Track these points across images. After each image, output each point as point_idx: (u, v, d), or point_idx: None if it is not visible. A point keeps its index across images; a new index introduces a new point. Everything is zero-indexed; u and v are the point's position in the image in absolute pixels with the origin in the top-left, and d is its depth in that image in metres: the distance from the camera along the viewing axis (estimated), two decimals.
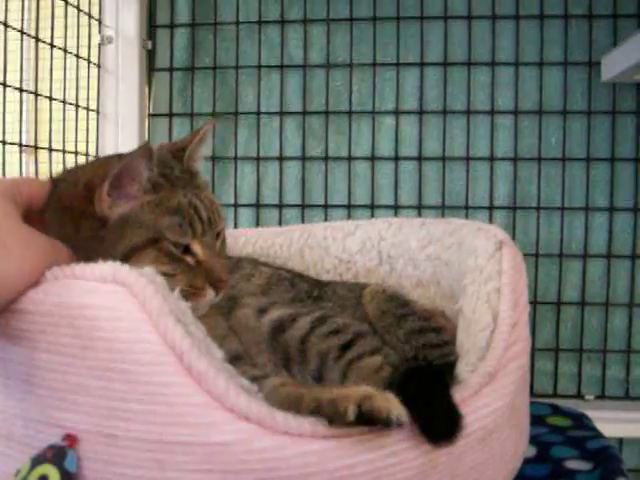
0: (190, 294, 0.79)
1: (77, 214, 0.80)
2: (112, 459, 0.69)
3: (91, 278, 0.69)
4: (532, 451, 1.08)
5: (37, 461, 0.69)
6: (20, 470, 0.69)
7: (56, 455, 0.68)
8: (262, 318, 0.91)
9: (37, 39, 1.43)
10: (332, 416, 0.68)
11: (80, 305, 0.68)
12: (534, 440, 1.08)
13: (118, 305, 0.68)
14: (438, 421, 0.72)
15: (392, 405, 0.67)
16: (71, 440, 0.69)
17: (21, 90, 1.37)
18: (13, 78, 1.35)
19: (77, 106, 1.61)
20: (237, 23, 1.73)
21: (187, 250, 0.82)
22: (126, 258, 0.77)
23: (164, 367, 0.66)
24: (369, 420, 0.67)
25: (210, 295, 0.82)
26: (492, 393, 0.80)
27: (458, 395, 0.76)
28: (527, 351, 0.91)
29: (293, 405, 0.71)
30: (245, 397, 0.66)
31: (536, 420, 1.14)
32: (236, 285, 1.02)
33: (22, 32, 1.37)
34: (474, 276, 0.94)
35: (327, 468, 0.67)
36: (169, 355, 0.66)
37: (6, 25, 1.30)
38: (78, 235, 0.79)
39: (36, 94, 1.44)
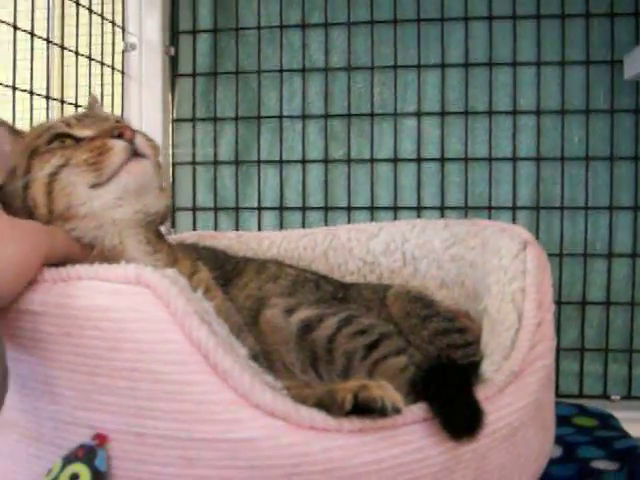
0: (98, 160, 0.80)
1: None
2: (141, 457, 0.70)
3: (115, 280, 0.70)
4: (558, 451, 1.08)
5: (68, 460, 0.70)
6: (52, 469, 0.70)
7: (87, 454, 0.69)
8: (290, 318, 0.92)
9: (62, 47, 1.46)
10: (330, 406, 0.69)
11: (105, 307, 0.69)
12: (560, 440, 1.08)
13: (143, 307, 0.68)
14: (459, 417, 0.72)
15: (387, 394, 0.68)
16: (101, 439, 0.70)
17: (47, 97, 1.40)
18: (39, 86, 1.37)
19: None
20: (259, 28, 1.75)
21: (70, 138, 0.84)
22: (27, 187, 0.81)
23: (190, 366, 0.67)
24: (366, 409, 0.68)
25: (118, 145, 0.81)
26: (517, 392, 0.81)
27: (482, 393, 0.76)
28: (552, 350, 0.91)
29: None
30: (270, 393, 0.67)
31: (562, 420, 1.14)
32: (263, 286, 1.03)
33: (48, 41, 1.39)
34: (499, 276, 0.94)
35: (352, 463, 0.68)
36: (194, 354, 0.67)
37: (32, 34, 1.32)
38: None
39: (62, 101, 1.46)
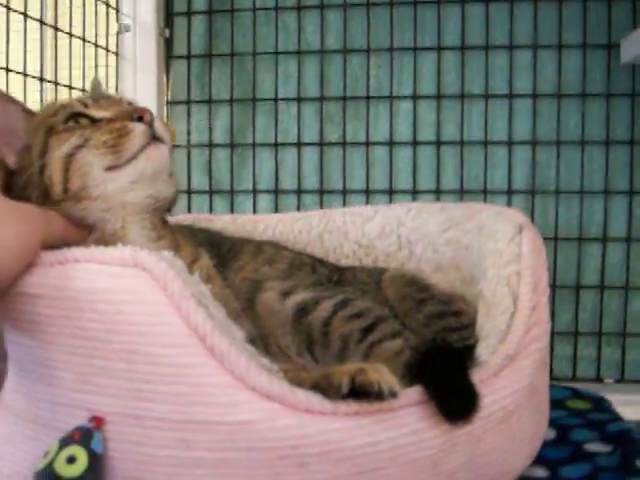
0: (117, 142, 0.80)
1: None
2: (139, 440, 0.70)
3: (112, 262, 0.70)
4: (552, 434, 1.09)
5: (65, 442, 0.70)
6: (48, 452, 0.70)
7: (83, 436, 0.70)
8: (286, 301, 0.92)
9: (56, 29, 1.44)
10: (327, 390, 0.70)
11: (103, 290, 0.69)
12: (554, 423, 1.08)
13: (139, 289, 0.69)
14: (455, 400, 0.73)
15: (384, 378, 0.69)
16: (98, 422, 0.71)
17: (41, 79, 1.39)
18: (33, 68, 1.36)
19: None
20: (254, 10, 1.74)
21: (86, 119, 0.83)
22: (44, 166, 0.80)
23: (187, 349, 0.68)
24: (363, 393, 0.68)
25: (139, 128, 0.81)
26: (512, 375, 0.81)
27: (477, 376, 0.77)
28: (547, 334, 0.91)
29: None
30: (266, 376, 0.68)
31: (556, 403, 1.14)
32: (259, 269, 1.03)
33: (41, 22, 1.38)
34: (494, 259, 0.94)
35: (349, 445, 0.69)
36: (192, 337, 0.67)
37: (26, 15, 1.31)
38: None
39: (56, 83, 1.45)
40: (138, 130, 0.80)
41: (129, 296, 0.69)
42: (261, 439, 0.67)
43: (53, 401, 0.75)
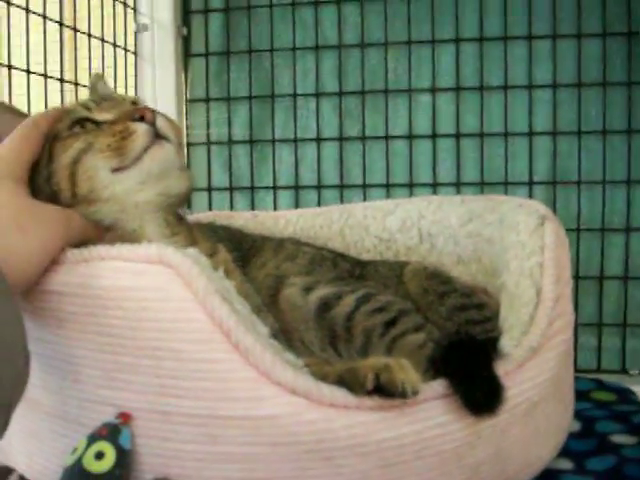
0: (121, 144, 0.80)
1: None
2: (165, 435, 0.71)
3: (137, 260, 0.71)
4: (577, 426, 1.08)
5: (93, 438, 0.71)
6: (77, 447, 0.72)
7: (111, 432, 0.71)
8: (308, 296, 0.93)
9: (75, 29, 1.45)
10: (352, 384, 0.70)
11: (129, 287, 0.70)
12: (579, 415, 1.07)
13: (165, 286, 0.69)
14: (480, 393, 0.73)
15: (408, 377, 0.69)
16: (125, 418, 0.72)
17: (62, 80, 1.40)
18: (53, 69, 1.37)
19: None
20: (271, 6, 1.74)
21: (91, 122, 0.84)
22: (51, 174, 0.81)
23: (212, 345, 0.68)
24: (387, 390, 0.69)
25: (140, 128, 0.81)
26: (536, 367, 0.81)
27: (502, 369, 0.77)
28: (571, 325, 0.91)
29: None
30: (291, 371, 0.69)
31: (580, 395, 1.14)
32: (281, 265, 1.03)
33: (61, 24, 1.39)
34: (517, 251, 0.94)
35: (374, 439, 0.69)
36: (217, 333, 0.68)
37: (45, 17, 1.32)
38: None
39: (76, 84, 1.46)
40: (140, 130, 0.81)
41: (154, 293, 0.70)
42: (287, 433, 0.68)
43: (80, 397, 0.76)
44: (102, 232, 0.83)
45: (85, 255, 0.73)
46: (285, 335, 0.89)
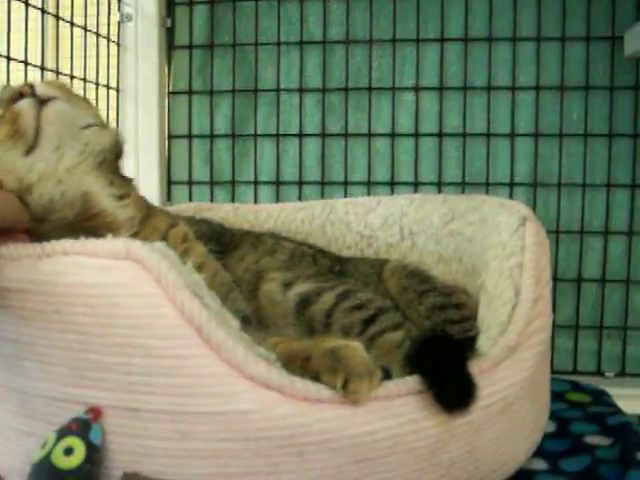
0: (15, 128, 0.80)
1: None
2: (136, 432, 0.70)
3: (103, 255, 0.69)
4: (552, 426, 1.08)
5: (62, 433, 0.70)
6: (46, 442, 0.70)
7: (81, 428, 0.70)
8: (288, 292, 0.92)
9: (58, 17, 1.44)
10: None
11: (95, 284, 0.69)
12: (554, 416, 1.08)
13: (133, 282, 0.68)
14: (452, 390, 0.73)
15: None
16: (95, 413, 0.71)
17: (42, 68, 1.38)
18: (33, 57, 1.35)
19: (97, 84, 1.61)
20: (256, 0, 1.73)
21: None
22: None
23: (183, 340, 0.67)
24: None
25: (22, 104, 0.81)
26: (512, 366, 0.81)
27: (477, 367, 0.77)
28: (548, 327, 0.91)
29: (287, 360, 0.73)
30: (264, 365, 0.68)
31: (556, 396, 1.14)
32: (260, 260, 1.02)
33: (43, 10, 1.37)
34: (497, 251, 0.94)
35: (347, 434, 0.69)
36: (187, 328, 0.67)
37: (27, 4, 1.30)
38: None
39: (57, 72, 1.45)
40: (23, 106, 0.81)
41: (122, 289, 0.68)
42: (259, 428, 0.67)
43: (47, 396, 0.74)
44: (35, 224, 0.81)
45: (47, 250, 0.71)
46: (264, 330, 0.88)
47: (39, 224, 0.81)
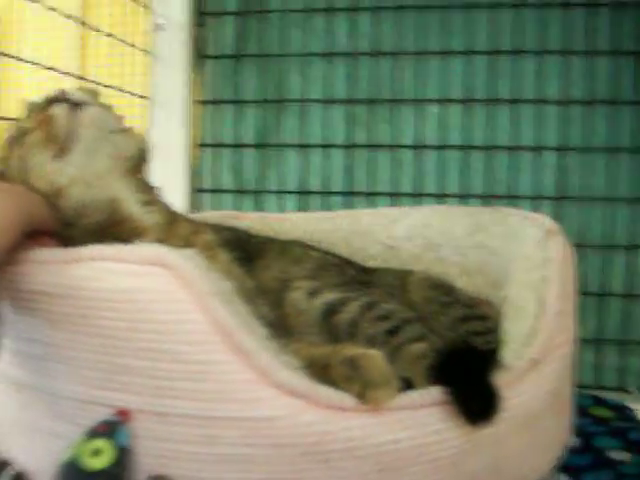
0: (49, 132, 0.82)
1: None
2: (163, 436, 0.71)
3: (132, 261, 0.70)
4: (575, 441, 1.08)
5: (91, 435, 0.71)
6: (74, 443, 0.71)
7: (109, 430, 0.70)
8: (313, 301, 0.93)
9: (83, 24, 1.46)
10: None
11: (123, 289, 0.70)
12: (577, 430, 1.07)
13: (162, 287, 0.69)
14: (476, 401, 0.73)
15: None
16: (124, 416, 0.71)
17: (80, 78, 1.41)
18: (60, 63, 1.37)
19: (127, 92, 1.64)
20: (285, 11, 1.75)
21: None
22: None
23: (212, 346, 0.68)
24: None
25: (57, 108, 0.83)
26: (536, 379, 0.81)
27: (501, 379, 0.77)
28: (572, 340, 0.91)
29: (307, 366, 0.74)
30: (290, 373, 0.69)
31: (579, 411, 1.13)
32: (286, 268, 1.03)
33: (82, 21, 1.40)
34: (522, 264, 0.94)
35: (371, 442, 0.69)
36: (217, 334, 0.68)
37: (66, 14, 1.33)
38: None
39: (90, 81, 1.47)
40: (58, 110, 0.83)
41: (151, 295, 0.69)
42: (285, 435, 0.68)
43: (75, 399, 0.75)
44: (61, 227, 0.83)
45: (74, 255, 0.73)
46: (289, 338, 0.89)
47: (68, 229, 0.83)
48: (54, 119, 0.83)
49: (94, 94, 0.89)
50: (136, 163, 0.89)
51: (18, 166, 0.83)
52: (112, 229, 0.83)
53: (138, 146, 0.90)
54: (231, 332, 0.68)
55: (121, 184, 0.86)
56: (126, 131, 0.90)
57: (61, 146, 0.82)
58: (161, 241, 0.83)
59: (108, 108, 0.90)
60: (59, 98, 0.84)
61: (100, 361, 0.72)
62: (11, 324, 0.79)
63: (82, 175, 0.83)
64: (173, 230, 0.89)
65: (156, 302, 0.69)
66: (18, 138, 0.85)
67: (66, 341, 0.73)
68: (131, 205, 0.86)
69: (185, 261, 0.69)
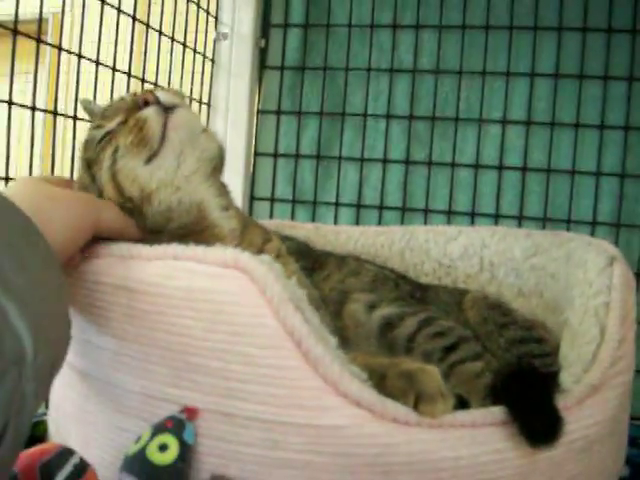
0: (141, 136, 0.82)
1: None
2: (226, 436, 0.72)
3: (213, 262, 0.72)
4: (626, 471, 1.07)
5: (158, 430, 0.72)
6: (141, 437, 0.73)
7: (176, 426, 0.72)
8: (372, 314, 0.94)
9: (160, 32, 1.50)
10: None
11: (203, 289, 0.71)
12: (628, 460, 1.06)
13: (239, 290, 0.70)
14: (539, 423, 0.73)
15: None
16: (190, 413, 0.73)
17: (143, 80, 1.44)
18: (124, 66, 1.40)
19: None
20: (350, 26, 1.76)
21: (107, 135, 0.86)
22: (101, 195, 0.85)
23: (282, 351, 0.69)
24: None
25: (149, 111, 0.83)
26: (596, 405, 0.81)
27: (561, 403, 0.77)
28: (632, 368, 0.90)
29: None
30: (357, 383, 0.69)
31: (630, 441, 1.12)
32: (345, 280, 1.04)
33: (147, 25, 1.43)
34: (583, 289, 0.94)
35: (431, 458, 0.69)
36: (288, 340, 0.69)
37: (134, 19, 1.37)
38: None
39: (143, 80, 1.50)
40: (150, 113, 0.83)
41: (228, 297, 0.70)
42: (348, 445, 0.68)
43: (145, 394, 0.76)
44: (138, 231, 0.84)
45: (158, 253, 0.74)
46: (347, 350, 0.90)
47: (154, 236, 0.84)
48: (147, 122, 0.83)
49: (180, 96, 0.90)
50: (216, 165, 0.90)
51: (104, 169, 0.84)
52: (195, 236, 0.83)
53: (219, 147, 0.91)
54: (300, 339, 0.69)
55: (205, 187, 0.88)
56: (207, 132, 0.91)
57: (152, 150, 0.83)
58: (236, 247, 0.84)
59: (189, 107, 0.92)
60: (150, 100, 0.84)
61: (173, 359, 0.73)
62: (83, 317, 0.80)
63: (171, 179, 0.84)
64: (246, 236, 0.90)
65: (232, 304, 0.70)
66: (101, 141, 0.86)
67: (141, 337, 0.75)
68: (214, 209, 0.88)
69: (262, 266, 0.70)
